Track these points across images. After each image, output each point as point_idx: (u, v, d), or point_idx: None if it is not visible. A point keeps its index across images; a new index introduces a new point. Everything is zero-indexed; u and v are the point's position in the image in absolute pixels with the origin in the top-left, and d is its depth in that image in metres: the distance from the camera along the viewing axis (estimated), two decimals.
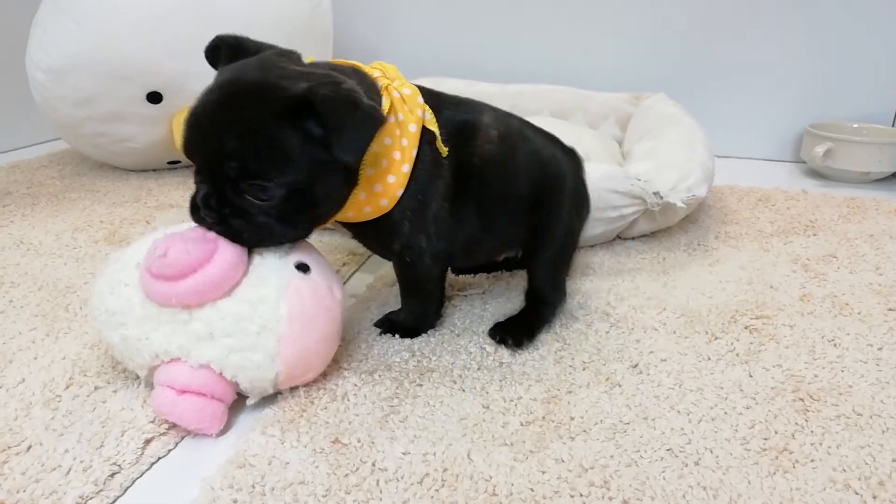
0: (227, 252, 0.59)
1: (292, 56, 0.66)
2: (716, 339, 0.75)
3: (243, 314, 0.59)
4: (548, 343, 0.74)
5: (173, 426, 0.61)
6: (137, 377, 0.67)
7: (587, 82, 1.50)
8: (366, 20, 1.71)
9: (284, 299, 0.60)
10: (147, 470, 0.57)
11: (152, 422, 0.61)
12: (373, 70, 0.70)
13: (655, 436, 0.59)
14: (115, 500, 0.54)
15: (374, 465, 0.56)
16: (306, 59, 0.68)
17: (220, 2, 1.22)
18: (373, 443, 0.58)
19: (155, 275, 0.58)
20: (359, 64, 0.70)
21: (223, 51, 0.66)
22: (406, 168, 0.66)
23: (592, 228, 0.94)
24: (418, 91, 0.70)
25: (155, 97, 1.24)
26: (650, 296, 0.85)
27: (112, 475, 0.55)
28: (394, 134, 0.66)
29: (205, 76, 1.33)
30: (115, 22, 1.17)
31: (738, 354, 0.72)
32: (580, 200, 0.82)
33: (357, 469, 0.55)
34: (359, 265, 0.97)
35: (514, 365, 0.70)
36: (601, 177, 0.91)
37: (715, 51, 1.49)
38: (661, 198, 0.92)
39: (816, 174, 1.39)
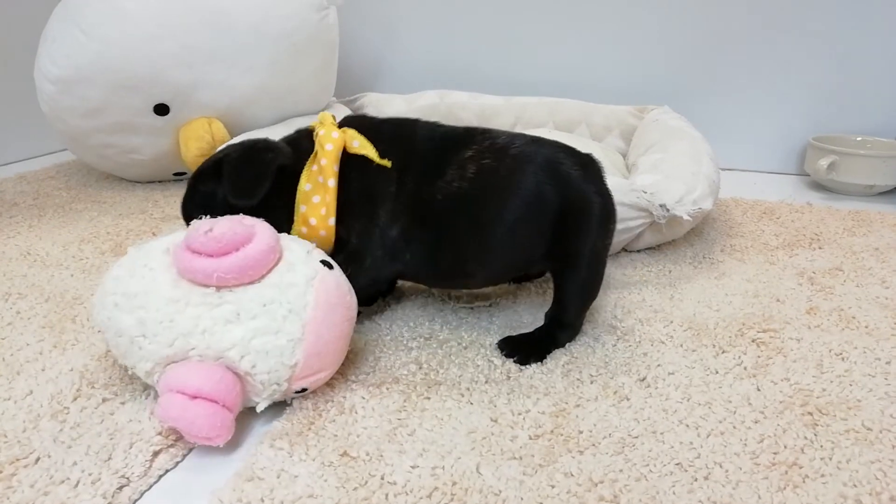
0: (265, 235, 0.62)
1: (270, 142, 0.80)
2: (723, 352, 0.75)
3: (272, 297, 0.60)
4: (555, 356, 0.74)
5: (180, 438, 0.61)
6: (146, 388, 0.67)
7: (592, 95, 1.51)
8: (371, 32, 1.72)
9: (312, 288, 0.62)
10: (155, 482, 0.57)
11: (160, 433, 0.61)
12: (317, 125, 0.78)
13: (664, 450, 0.59)
14: None
15: (382, 478, 0.56)
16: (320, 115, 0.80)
17: (228, 14, 1.23)
18: (381, 456, 0.58)
19: (198, 251, 0.59)
20: (313, 124, 0.80)
21: None
22: (323, 212, 0.74)
23: None
24: (338, 131, 0.76)
25: (162, 109, 1.25)
26: (657, 308, 0.85)
27: (120, 488, 0.55)
28: (314, 179, 0.75)
29: (211, 88, 1.34)
30: (123, 33, 1.17)
31: (745, 368, 0.72)
32: (606, 215, 0.75)
33: (366, 482, 0.55)
34: None
35: (522, 378, 0.70)
36: None
37: (719, 63, 1.49)
38: (668, 210, 0.92)
39: (821, 187, 1.40)
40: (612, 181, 0.93)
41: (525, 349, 0.74)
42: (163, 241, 0.65)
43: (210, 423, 0.58)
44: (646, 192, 0.93)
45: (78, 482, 0.55)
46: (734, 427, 0.62)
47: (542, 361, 0.73)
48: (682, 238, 1.06)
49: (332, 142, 0.74)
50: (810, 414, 0.64)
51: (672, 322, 0.81)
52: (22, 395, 0.67)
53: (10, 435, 0.61)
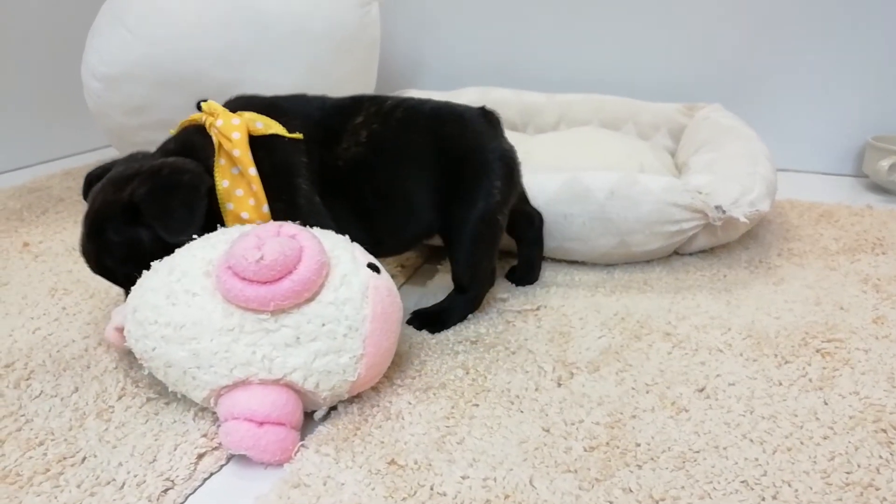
0: (313, 250, 0.59)
1: (136, 157, 0.77)
2: (786, 362, 0.71)
3: (330, 316, 0.58)
4: (607, 363, 0.71)
5: None
6: None
7: (638, 92, 1.46)
8: (412, 29, 1.70)
9: (367, 300, 0.60)
10: (200, 486, 0.56)
11: (204, 436, 0.60)
12: (200, 116, 0.74)
13: (728, 466, 0.56)
14: None
15: (432, 489, 0.54)
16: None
17: (270, 12, 1.22)
18: (430, 465, 0.56)
19: (249, 279, 0.56)
20: (193, 116, 0.76)
21: (94, 183, 0.74)
22: (252, 202, 0.72)
23: (649, 243, 0.91)
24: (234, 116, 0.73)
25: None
26: (713, 315, 0.81)
27: (165, 491, 0.54)
28: (228, 174, 0.72)
29: (254, 86, 1.34)
30: (167, 31, 1.18)
31: (811, 380, 0.68)
32: (491, 171, 0.77)
33: (415, 493, 0.53)
34: (407, 277, 0.95)
35: (573, 385, 0.67)
36: (660, 189, 0.88)
37: (772, 59, 1.44)
38: (724, 212, 0.88)
39: (881, 189, 1.33)
40: (665, 181, 0.90)
41: (432, 319, 0.79)
42: (196, 258, 0.62)
43: (282, 447, 0.57)
44: (700, 193, 0.89)
45: (123, 484, 0.55)
46: (802, 443, 0.59)
47: (446, 329, 0.78)
48: (737, 241, 1.01)
49: (237, 129, 0.71)
50: (884, 431, 0.60)
51: (730, 329, 0.77)
52: (68, 392, 0.67)
53: (58, 433, 0.61)
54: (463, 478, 0.55)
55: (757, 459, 0.57)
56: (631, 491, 0.53)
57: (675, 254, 0.98)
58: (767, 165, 1.01)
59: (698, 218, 0.90)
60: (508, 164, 0.79)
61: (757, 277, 0.92)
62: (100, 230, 0.69)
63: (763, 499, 0.53)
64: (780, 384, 0.67)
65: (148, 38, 1.17)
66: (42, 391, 0.67)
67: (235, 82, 1.23)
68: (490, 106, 0.84)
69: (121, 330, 0.65)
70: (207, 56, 1.20)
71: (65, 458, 0.57)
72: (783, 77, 1.44)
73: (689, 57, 1.49)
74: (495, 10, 1.61)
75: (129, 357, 0.72)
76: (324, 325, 0.58)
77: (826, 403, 0.64)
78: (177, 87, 1.21)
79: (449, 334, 0.77)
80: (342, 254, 0.63)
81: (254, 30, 1.22)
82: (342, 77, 1.35)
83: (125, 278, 0.70)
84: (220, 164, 0.72)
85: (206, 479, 0.57)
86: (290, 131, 0.75)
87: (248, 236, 0.58)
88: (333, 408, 0.64)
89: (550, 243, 0.93)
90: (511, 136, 0.87)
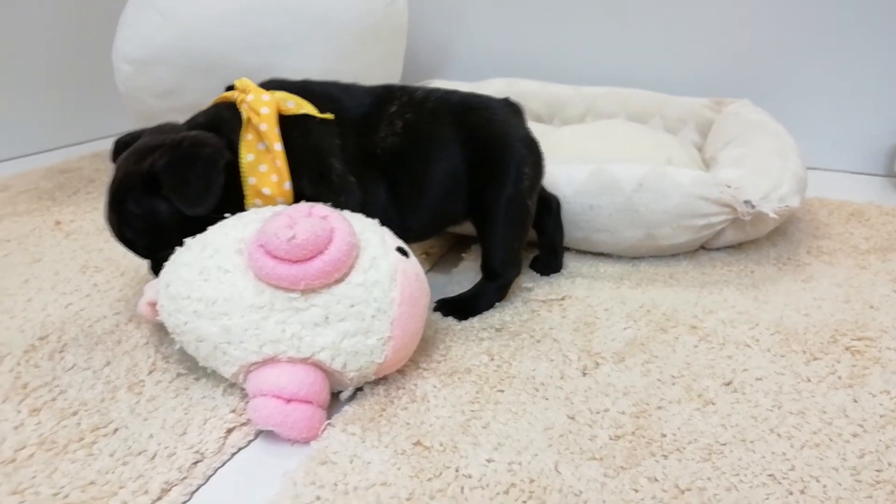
0: (343, 232, 0.59)
1: (164, 128, 0.77)
2: (815, 359, 0.70)
3: (359, 297, 0.59)
4: (633, 354, 0.71)
5: None
6: None
7: (665, 86, 1.45)
8: (438, 17, 1.70)
9: (396, 283, 0.61)
10: (228, 460, 0.57)
11: (233, 411, 0.61)
12: (233, 94, 0.75)
13: (755, 459, 0.56)
14: (197, 489, 0.54)
15: (457, 470, 0.54)
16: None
17: None
18: (455, 447, 0.56)
19: (281, 258, 0.57)
20: (225, 94, 0.77)
21: (123, 150, 0.75)
22: (275, 178, 0.72)
23: (676, 236, 0.91)
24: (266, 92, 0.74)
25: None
26: (740, 310, 0.80)
27: (195, 463, 0.55)
28: (254, 148, 0.72)
29: (282, 72, 1.34)
30: (198, 15, 1.19)
31: (840, 377, 0.67)
32: (521, 159, 0.79)
33: (440, 474, 0.54)
34: (432, 265, 0.96)
35: (599, 375, 0.67)
36: (690, 182, 0.88)
37: (801, 56, 1.41)
38: (753, 206, 0.87)
39: None
40: (694, 175, 0.89)
41: (460, 306, 0.79)
42: (229, 237, 0.62)
43: (309, 424, 0.57)
44: (730, 187, 0.88)
45: (155, 455, 0.56)
46: (831, 440, 0.58)
47: (474, 316, 0.79)
48: (765, 237, 1.00)
49: (266, 105, 0.72)
50: None
51: (758, 325, 0.77)
52: (100, 365, 0.68)
53: (91, 404, 0.62)
54: (488, 461, 0.55)
55: (784, 454, 0.56)
56: (656, 480, 0.53)
57: (702, 249, 0.97)
58: (797, 161, 0.99)
59: (727, 212, 0.89)
60: (535, 152, 0.82)
61: (785, 274, 0.91)
62: (121, 200, 0.70)
63: (791, 493, 0.52)
64: (809, 380, 0.67)
65: (178, 21, 1.18)
66: (75, 364, 0.68)
67: (263, 67, 1.24)
68: (516, 97, 0.85)
69: (153, 304, 0.66)
70: (236, 41, 1.21)
71: (98, 428, 0.59)
72: (812, 73, 1.42)
73: (716, 52, 1.48)
74: (522, 2, 1.60)
75: (158, 333, 0.73)
76: (352, 306, 0.59)
77: (856, 401, 0.64)
78: (206, 71, 1.22)
79: (474, 321, 0.78)
80: (372, 237, 0.63)
81: (281, 16, 1.22)
82: (369, 64, 1.35)
83: (145, 250, 0.72)
84: (247, 138, 0.72)
85: (234, 454, 0.58)
86: (322, 112, 0.75)
87: (281, 216, 0.58)
88: (359, 389, 0.64)
89: (576, 234, 0.93)
90: (537, 128, 0.87)
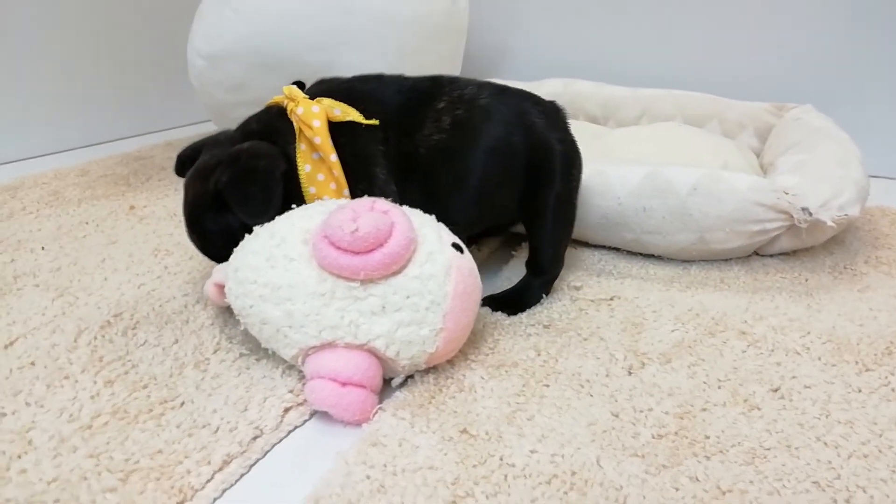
0: (403, 226, 0.62)
1: (219, 139, 0.81)
2: (867, 370, 0.69)
3: (415, 289, 0.62)
4: (679, 355, 0.71)
5: None
6: None
7: (724, 90, 1.43)
8: (497, 19, 1.72)
9: (450, 277, 0.63)
10: (285, 437, 0.60)
11: (291, 391, 0.65)
12: (283, 99, 0.78)
13: (800, 466, 0.56)
14: (256, 462, 0.57)
15: (501, 459, 0.56)
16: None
17: None
18: (500, 437, 0.59)
19: (344, 249, 0.60)
20: (276, 98, 0.79)
21: (186, 163, 0.80)
22: (333, 186, 0.75)
23: (729, 241, 0.90)
24: (314, 103, 0.76)
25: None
26: (792, 317, 0.80)
27: (255, 438, 0.59)
28: (309, 159, 0.75)
29: (346, 70, 1.38)
30: (267, 12, 1.23)
31: (893, 389, 0.66)
32: (568, 161, 0.82)
33: (485, 461, 0.56)
34: (482, 261, 0.98)
35: (644, 375, 0.68)
36: (746, 188, 0.87)
37: (866, 61, 1.37)
38: (810, 214, 0.86)
39: None
40: (751, 180, 0.89)
41: (509, 302, 0.81)
42: (296, 227, 0.65)
43: (362, 408, 0.61)
44: (787, 193, 0.87)
45: (218, 428, 0.60)
46: (880, 451, 0.58)
47: (524, 311, 0.80)
48: (821, 246, 0.98)
49: (317, 117, 0.74)
50: None
51: (809, 333, 0.76)
52: (169, 343, 0.73)
53: (160, 378, 0.66)
54: (532, 451, 0.57)
55: (830, 462, 0.56)
56: (698, 480, 0.54)
57: (755, 254, 0.97)
58: (860, 169, 0.97)
59: (783, 219, 0.88)
60: (579, 154, 0.85)
61: (841, 283, 0.89)
62: (197, 221, 0.75)
63: (835, 501, 0.52)
64: (860, 391, 0.66)
65: (250, 18, 1.23)
66: (146, 340, 0.73)
67: (328, 65, 1.28)
68: (571, 97, 0.87)
69: (220, 287, 0.70)
70: (303, 38, 1.25)
71: (166, 402, 0.63)
72: (877, 79, 1.37)
73: (777, 56, 1.44)
74: (580, 3, 1.60)
75: (223, 315, 0.78)
76: (408, 297, 0.61)
77: None
78: (274, 67, 1.27)
79: (522, 317, 0.79)
80: (429, 232, 0.66)
81: (347, 15, 1.26)
82: (430, 63, 1.38)
83: (229, 255, 0.74)
84: (301, 149, 0.75)
85: (290, 431, 0.61)
86: (367, 117, 0.76)
87: (345, 209, 0.61)
88: (410, 376, 0.67)
89: (627, 235, 0.94)
90: (592, 129, 0.88)
